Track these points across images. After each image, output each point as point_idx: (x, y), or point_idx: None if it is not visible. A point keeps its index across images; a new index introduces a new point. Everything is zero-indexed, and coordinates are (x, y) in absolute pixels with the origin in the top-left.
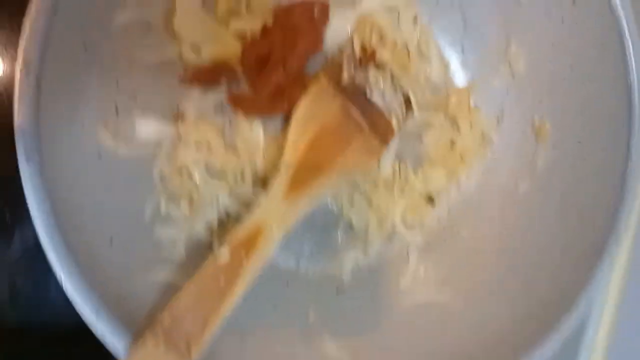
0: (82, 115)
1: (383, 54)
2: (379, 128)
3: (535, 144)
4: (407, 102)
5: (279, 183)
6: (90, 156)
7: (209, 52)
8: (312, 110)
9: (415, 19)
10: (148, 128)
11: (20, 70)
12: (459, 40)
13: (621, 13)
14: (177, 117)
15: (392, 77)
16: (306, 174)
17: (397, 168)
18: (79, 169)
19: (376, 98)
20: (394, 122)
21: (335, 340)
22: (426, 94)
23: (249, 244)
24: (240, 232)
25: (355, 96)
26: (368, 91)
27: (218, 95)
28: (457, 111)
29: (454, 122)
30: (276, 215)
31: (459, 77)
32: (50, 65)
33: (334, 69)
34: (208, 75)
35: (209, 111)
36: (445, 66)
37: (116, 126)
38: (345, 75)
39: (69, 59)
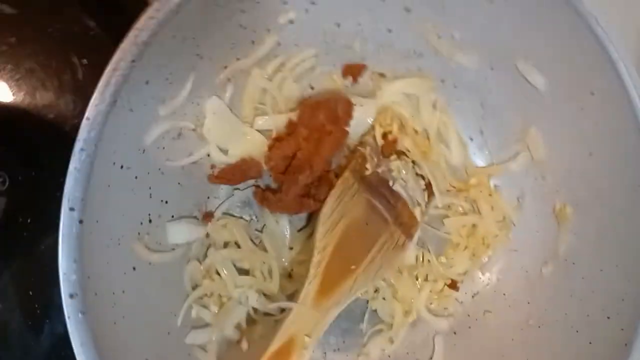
0: (118, 234)
1: (404, 142)
2: (403, 220)
3: (557, 228)
4: (429, 187)
5: (308, 291)
6: (126, 272)
7: (236, 151)
8: (339, 209)
9: (434, 104)
10: (178, 231)
11: (64, 213)
12: (477, 123)
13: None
14: (205, 216)
15: (413, 164)
16: (335, 279)
17: (420, 254)
18: (116, 287)
19: (399, 187)
20: (417, 212)
21: None
22: (447, 177)
23: (283, 356)
24: (273, 346)
25: (379, 187)
26: (391, 181)
27: (245, 191)
28: (478, 194)
29: (474, 205)
30: (307, 325)
31: (479, 159)
32: (90, 205)
33: (356, 160)
34: (235, 173)
35: (236, 208)
36: (465, 148)
37: (149, 235)
38: (369, 168)
39: (106, 187)
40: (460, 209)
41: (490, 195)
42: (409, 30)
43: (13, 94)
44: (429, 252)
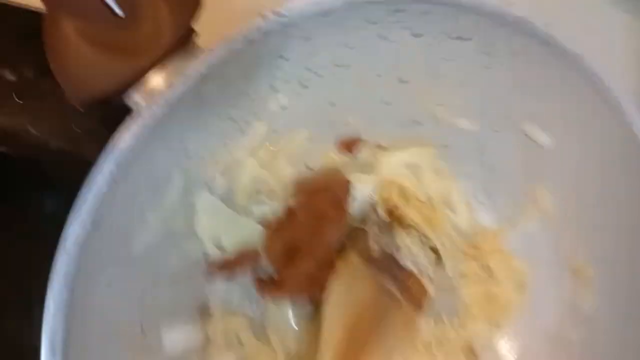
0: (109, 350)
1: (408, 213)
2: (413, 293)
3: (577, 286)
4: (437, 255)
5: None
6: None
7: (233, 244)
8: (344, 293)
9: (437, 171)
10: (175, 337)
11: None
12: (484, 185)
13: None
14: (203, 315)
15: (419, 234)
16: None
17: (434, 324)
18: None
19: (407, 262)
20: (426, 282)
21: None
22: (457, 243)
23: None
24: None
25: (387, 265)
26: (399, 257)
27: (244, 284)
28: (490, 257)
29: (488, 270)
30: None
31: (489, 221)
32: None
33: (359, 238)
34: (233, 266)
35: (235, 302)
36: (472, 212)
37: (143, 347)
38: (374, 246)
39: (91, 311)
40: (475, 275)
41: (503, 258)
42: (407, 101)
43: None
44: (444, 321)
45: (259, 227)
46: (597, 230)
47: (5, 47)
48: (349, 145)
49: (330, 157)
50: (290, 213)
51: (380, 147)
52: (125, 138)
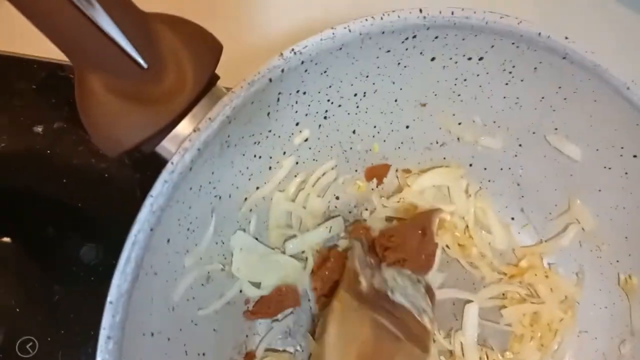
0: None
1: (443, 238)
2: (414, 332)
3: (626, 301)
4: (429, 291)
5: None
6: None
7: (270, 282)
8: (343, 333)
9: (466, 190)
10: None
11: None
12: (516, 202)
13: None
14: (247, 357)
15: (409, 273)
16: None
17: (483, 354)
18: None
19: (399, 297)
20: (425, 320)
21: None
22: (495, 264)
23: None
24: None
25: (379, 301)
26: (389, 292)
27: (284, 321)
28: (532, 277)
29: (532, 290)
30: None
31: (526, 238)
32: None
33: (348, 276)
34: (272, 305)
35: (277, 341)
36: (508, 230)
37: None
38: (364, 283)
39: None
40: (518, 295)
41: (546, 275)
42: (428, 123)
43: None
44: (492, 349)
45: (296, 264)
46: (637, 241)
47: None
48: (376, 173)
49: (357, 185)
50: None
51: (406, 171)
52: (159, 187)
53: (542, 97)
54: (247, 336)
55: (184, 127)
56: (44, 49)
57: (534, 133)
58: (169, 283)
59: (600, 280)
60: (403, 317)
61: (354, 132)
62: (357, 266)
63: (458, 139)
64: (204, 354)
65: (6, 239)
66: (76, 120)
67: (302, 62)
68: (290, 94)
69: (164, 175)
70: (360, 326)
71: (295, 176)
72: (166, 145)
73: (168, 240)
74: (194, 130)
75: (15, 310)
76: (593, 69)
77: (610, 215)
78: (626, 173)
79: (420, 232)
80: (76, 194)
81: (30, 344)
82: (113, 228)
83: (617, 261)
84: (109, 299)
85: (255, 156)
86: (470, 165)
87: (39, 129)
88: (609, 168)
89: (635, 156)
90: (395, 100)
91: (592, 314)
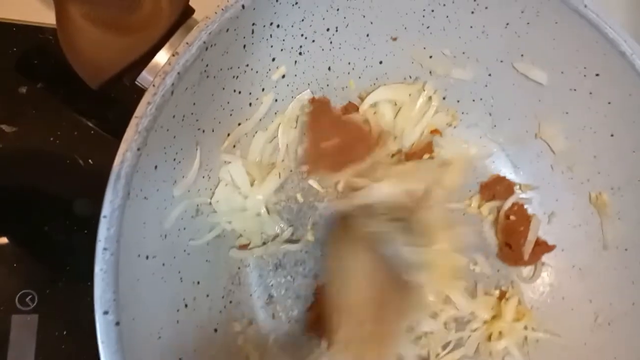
0: (157, 327)
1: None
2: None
3: (598, 217)
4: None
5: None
6: None
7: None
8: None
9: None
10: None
11: (99, 318)
12: (490, 133)
13: None
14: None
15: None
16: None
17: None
18: None
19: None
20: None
21: None
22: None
23: None
24: None
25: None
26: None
27: (276, 254)
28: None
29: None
30: None
31: (500, 166)
32: (123, 305)
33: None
34: None
35: (269, 272)
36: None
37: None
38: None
39: (135, 282)
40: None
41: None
42: (400, 57)
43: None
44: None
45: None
46: (607, 158)
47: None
48: (352, 110)
49: None
50: None
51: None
52: (143, 108)
53: (507, 24)
54: (239, 268)
55: (162, 57)
56: (24, 13)
57: (501, 61)
58: (159, 210)
59: (573, 200)
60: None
61: (329, 68)
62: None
63: (430, 72)
64: (198, 283)
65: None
66: (60, 80)
67: None
68: (264, 26)
69: (147, 97)
70: (356, 261)
71: (275, 113)
72: (146, 75)
73: (155, 167)
74: (173, 55)
75: (13, 265)
76: None
77: (579, 136)
78: (590, 93)
79: None
80: (66, 149)
81: (30, 297)
82: (104, 180)
83: (588, 180)
84: (102, 213)
85: (235, 91)
86: (444, 98)
87: (23, 89)
88: (574, 90)
89: (597, 75)
90: (367, 35)
91: (568, 233)
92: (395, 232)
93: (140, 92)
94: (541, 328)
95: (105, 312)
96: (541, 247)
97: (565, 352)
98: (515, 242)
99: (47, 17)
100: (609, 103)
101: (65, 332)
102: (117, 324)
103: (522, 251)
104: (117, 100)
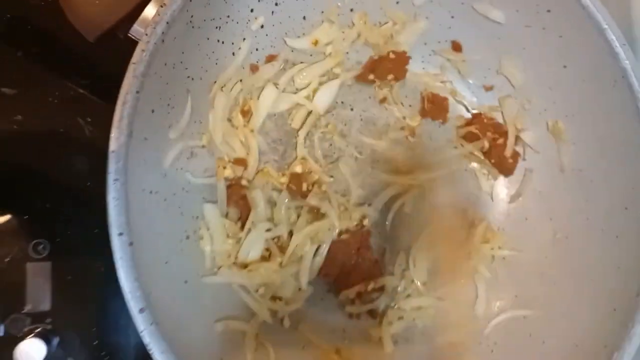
0: (164, 255)
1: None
2: None
3: (556, 143)
4: None
5: None
6: (179, 287)
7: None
8: None
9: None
10: None
11: (115, 239)
12: (455, 73)
13: (592, 6)
14: None
15: None
16: None
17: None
18: (176, 300)
19: None
20: None
21: None
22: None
23: None
24: None
25: None
26: None
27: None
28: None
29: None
30: None
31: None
32: (134, 229)
33: None
34: None
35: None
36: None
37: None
38: None
39: (142, 213)
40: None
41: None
42: (369, 5)
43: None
44: None
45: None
46: (561, 88)
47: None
48: None
49: None
50: None
51: None
52: (138, 55)
53: None
54: None
55: (151, 10)
56: None
57: (462, 4)
58: (158, 151)
59: (533, 129)
60: None
61: (304, 18)
62: None
63: (399, 19)
64: (197, 217)
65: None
66: (52, 42)
67: None
68: None
69: (141, 45)
70: None
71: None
72: (138, 28)
73: (152, 111)
74: (161, 6)
75: (24, 217)
76: None
77: (535, 70)
78: (544, 28)
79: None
80: (64, 109)
81: (42, 245)
82: (101, 141)
83: (545, 110)
84: (110, 148)
85: (218, 41)
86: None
87: (19, 53)
88: (529, 26)
89: (549, 11)
90: None
91: (530, 159)
92: None
93: (133, 45)
94: (507, 247)
95: (120, 234)
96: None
97: (528, 266)
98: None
99: None
100: (561, 36)
101: (77, 277)
102: (131, 244)
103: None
104: (106, 62)
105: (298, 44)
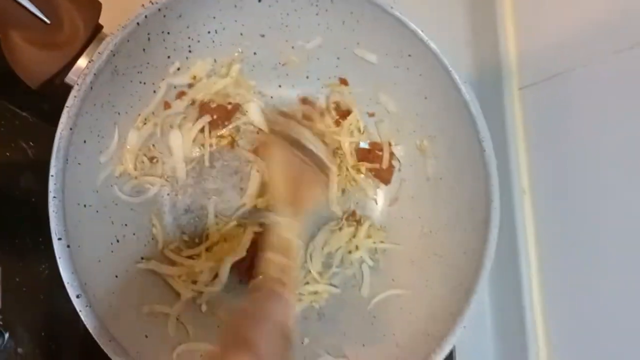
0: (98, 254)
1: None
2: (321, 165)
3: (423, 158)
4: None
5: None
6: (111, 279)
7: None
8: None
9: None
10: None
11: (55, 243)
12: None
13: (440, 53)
14: None
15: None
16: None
17: None
18: (109, 288)
19: (309, 145)
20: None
21: (329, 354)
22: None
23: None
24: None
25: (296, 145)
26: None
27: (185, 200)
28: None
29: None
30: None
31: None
32: (70, 235)
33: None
34: None
35: (181, 217)
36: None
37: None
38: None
39: (77, 222)
40: None
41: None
42: (269, 49)
43: None
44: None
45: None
46: (425, 115)
47: None
48: None
49: None
50: None
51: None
52: (71, 100)
53: (343, 21)
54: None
55: (82, 62)
56: None
57: (345, 48)
58: (90, 172)
59: (406, 148)
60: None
61: (215, 60)
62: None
63: (292, 59)
64: (126, 225)
65: None
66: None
67: (159, 10)
68: (157, 34)
69: (73, 92)
70: (288, 155)
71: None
72: (72, 76)
73: (84, 141)
74: (90, 62)
75: None
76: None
77: (405, 100)
78: (408, 68)
79: None
80: (11, 135)
81: None
82: (44, 161)
83: (414, 131)
84: (50, 173)
85: (140, 82)
86: (307, 77)
87: None
88: (397, 67)
89: (409, 55)
90: (241, 34)
91: (406, 170)
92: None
93: (68, 89)
94: (387, 240)
95: (59, 239)
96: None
97: (403, 255)
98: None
99: None
100: (420, 75)
101: (24, 279)
102: (68, 246)
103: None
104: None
105: (178, 80)
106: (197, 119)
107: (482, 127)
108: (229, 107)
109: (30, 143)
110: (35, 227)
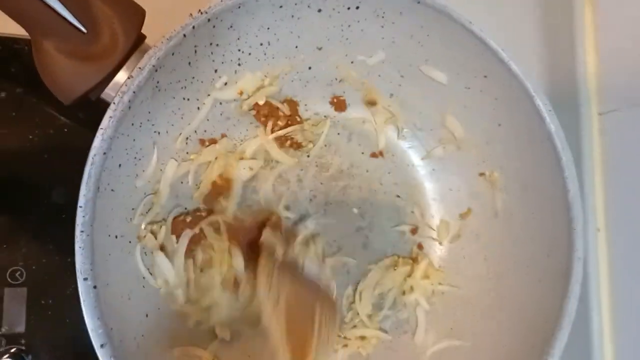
0: (127, 290)
1: None
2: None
3: (491, 191)
4: None
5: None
6: (141, 319)
7: None
8: (273, 285)
9: None
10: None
11: (80, 283)
12: (404, 123)
13: (522, 76)
14: None
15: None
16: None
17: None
18: (137, 333)
19: (307, 269)
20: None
21: None
22: None
23: None
24: None
25: (292, 269)
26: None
27: None
28: None
29: None
30: None
31: (414, 153)
32: (98, 273)
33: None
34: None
35: None
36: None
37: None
38: (279, 252)
39: (107, 255)
40: None
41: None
42: (326, 63)
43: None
44: None
45: None
46: (497, 143)
47: None
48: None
49: None
50: None
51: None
52: (106, 121)
53: (411, 35)
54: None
55: (121, 76)
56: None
57: (410, 65)
58: (125, 199)
59: (473, 177)
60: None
61: (265, 75)
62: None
63: (351, 75)
64: None
65: None
66: (35, 84)
67: (209, 20)
68: (205, 46)
69: (109, 112)
70: (283, 283)
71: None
72: (109, 92)
73: (120, 165)
74: (129, 77)
75: (3, 246)
76: (442, 9)
77: (474, 125)
78: (481, 91)
79: None
80: (44, 144)
81: (19, 272)
82: (77, 172)
83: (483, 161)
84: (79, 204)
85: (184, 99)
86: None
87: (3, 94)
88: (469, 88)
89: (485, 76)
90: (296, 47)
91: (470, 201)
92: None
93: (105, 104)
94: (446, 282)
95: (85, 279)
96: None
97: (463, 300)
98: None
99: (20, 29)
100: (496, 99)
101: (50, 301)
102: (95, 287)
103: None
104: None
105: (224, 95)
106: None
107: (568, 164)
108: None
109: (65, 154)
110: (63, 246)
